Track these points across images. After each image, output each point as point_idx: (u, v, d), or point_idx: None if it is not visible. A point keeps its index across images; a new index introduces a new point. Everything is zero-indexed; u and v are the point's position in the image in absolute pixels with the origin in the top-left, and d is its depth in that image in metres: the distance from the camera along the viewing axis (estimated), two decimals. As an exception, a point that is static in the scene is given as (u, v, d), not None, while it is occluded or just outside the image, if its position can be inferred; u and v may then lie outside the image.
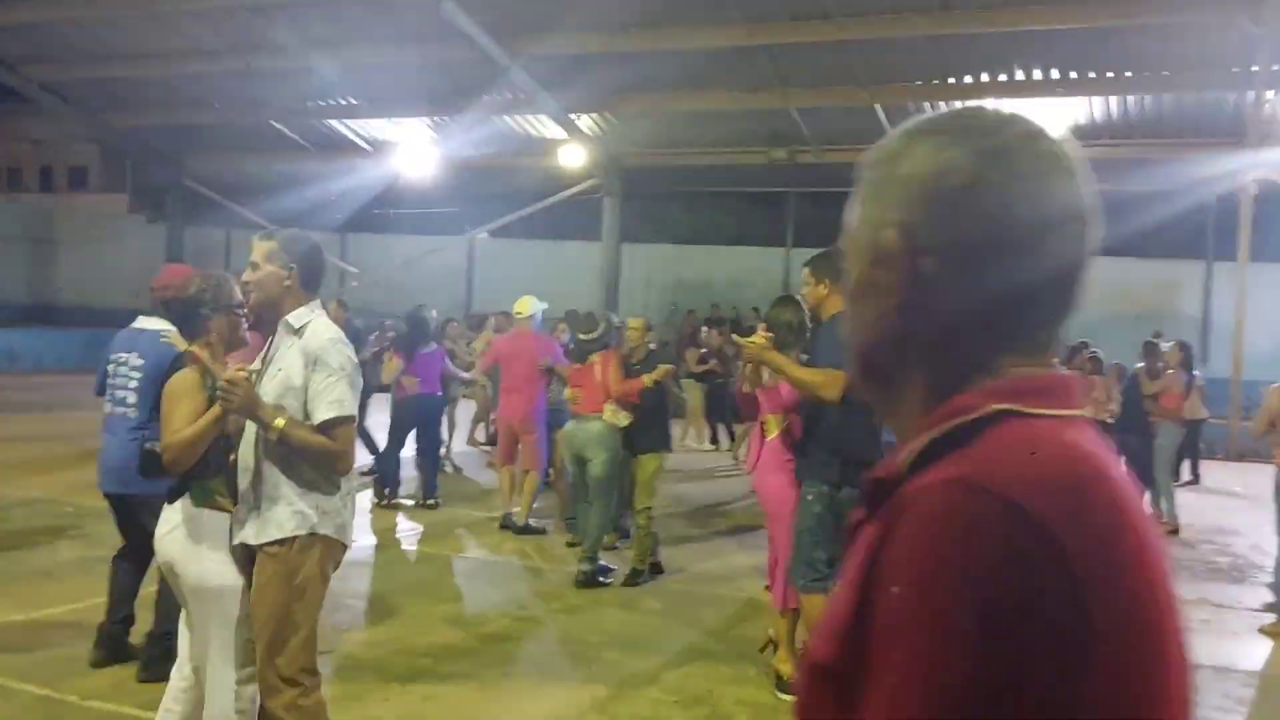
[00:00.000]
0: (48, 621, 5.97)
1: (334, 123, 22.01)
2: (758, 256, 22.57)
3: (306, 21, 17.16)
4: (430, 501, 10.02)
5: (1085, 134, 16.76)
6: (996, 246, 0.98)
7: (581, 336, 7.99)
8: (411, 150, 21.42)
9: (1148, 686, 0.90)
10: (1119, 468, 0.98)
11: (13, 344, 22.80)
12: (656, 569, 7.84)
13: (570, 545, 8.36)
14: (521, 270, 22.12)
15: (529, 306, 9.15)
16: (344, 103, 21.11)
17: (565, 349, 9.15)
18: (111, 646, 5.27)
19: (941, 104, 17.25)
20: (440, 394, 10.25)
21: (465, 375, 10.85)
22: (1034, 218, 0.98)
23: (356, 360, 3.66)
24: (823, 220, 20.84)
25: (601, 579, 7.51)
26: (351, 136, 22.35)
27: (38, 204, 35.85)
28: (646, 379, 7.65)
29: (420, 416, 10.04)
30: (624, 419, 7.64)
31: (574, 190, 21.09)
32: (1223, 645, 6.93)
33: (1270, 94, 15.76)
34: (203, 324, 4.02)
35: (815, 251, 5.10)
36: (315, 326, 3.63)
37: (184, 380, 3.84)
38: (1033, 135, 1.02)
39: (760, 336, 5.12)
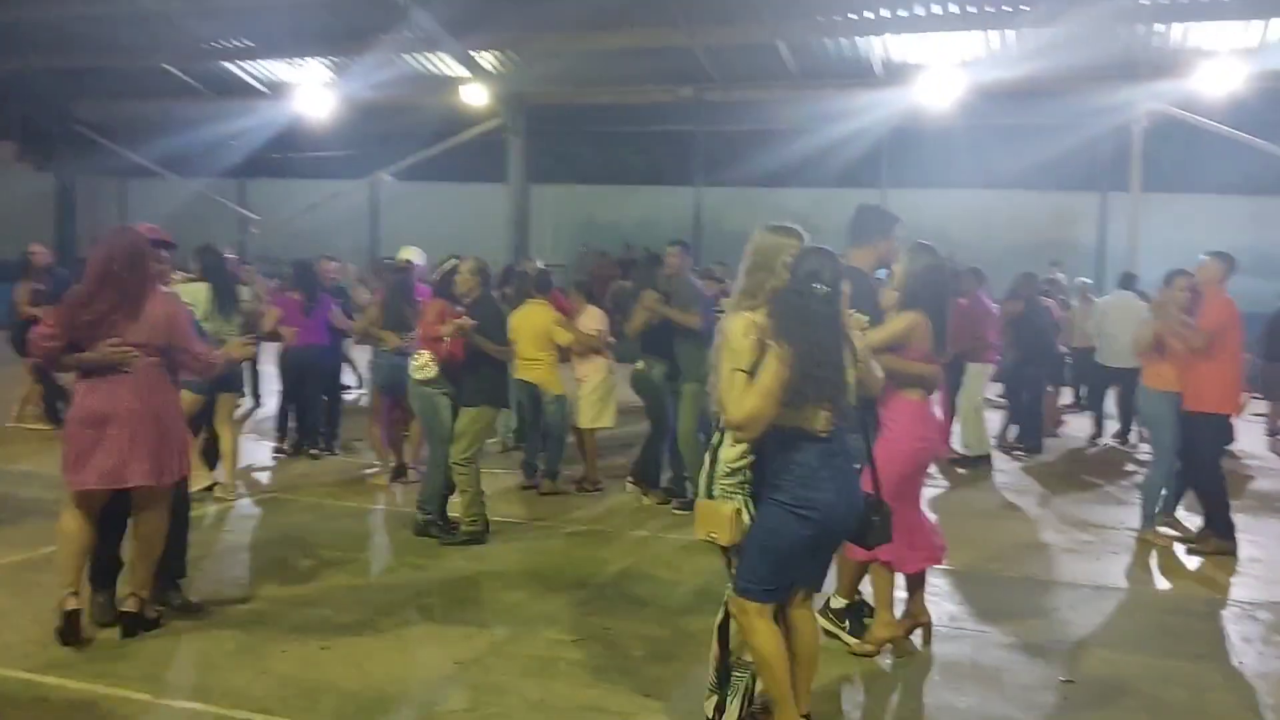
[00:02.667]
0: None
1: (229, 65, 21.39)
2: (668, 195, 22.53)
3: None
4: (314, 451, 10.00)
5: (981, 67, 16.99)
6: None
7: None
8: (310, 92, 20.91)
9: None
10: None
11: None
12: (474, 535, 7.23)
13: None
14: (427, 214, 21.82)
15: (414, 256, 9.20)
16: (239, 44, 20.51)
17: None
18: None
19: (842, 40, 17.35)
20: (327, 343, 10.09)
21: (350, 324, 10.16)
22: None
23: None
24: (731, 158, 20.91)
25: (435, 534, 7.23)
26: (247, 79, 21.75)
27: (-81, 153, 34.32)
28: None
29: (303, 366, 9.94)
30: (426, 371, 7.18)
31: (478, 130, 20.82)
32: (1100, 564, 7.25)
33: (1159, 26, 16.12)
34: None
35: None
36: None
37: None
38: None
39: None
